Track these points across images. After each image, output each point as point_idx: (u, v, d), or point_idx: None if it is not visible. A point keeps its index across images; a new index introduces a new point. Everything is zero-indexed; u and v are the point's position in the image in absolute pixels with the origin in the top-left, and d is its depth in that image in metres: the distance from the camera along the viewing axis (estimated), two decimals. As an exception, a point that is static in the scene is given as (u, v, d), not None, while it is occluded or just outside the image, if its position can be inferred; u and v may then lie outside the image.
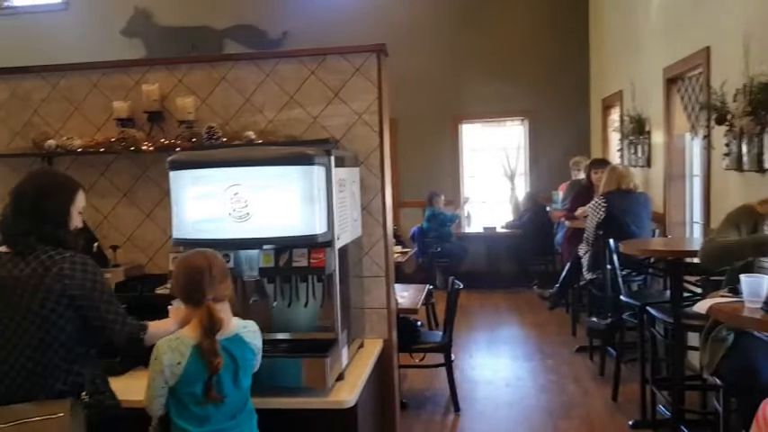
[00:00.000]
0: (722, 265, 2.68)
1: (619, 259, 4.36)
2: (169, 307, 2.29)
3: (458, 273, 6.02)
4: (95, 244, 3.02)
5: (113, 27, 8.63)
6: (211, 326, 1.94)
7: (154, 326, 2.13)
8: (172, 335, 2.02)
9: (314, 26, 7.98)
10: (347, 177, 2.64)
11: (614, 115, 7.06)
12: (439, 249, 7.79)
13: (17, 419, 1.92)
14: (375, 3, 8.26)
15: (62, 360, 1.99)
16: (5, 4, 9.03)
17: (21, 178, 2.13)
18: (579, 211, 5.60)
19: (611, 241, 4.38)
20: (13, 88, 3.27)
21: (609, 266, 4.49)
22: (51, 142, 3.09)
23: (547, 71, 8.11)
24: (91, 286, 2.01)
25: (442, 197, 8.01)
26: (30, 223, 2.01)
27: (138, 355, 2.17)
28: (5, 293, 1.97)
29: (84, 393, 2.01)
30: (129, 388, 2.24)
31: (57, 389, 1.98)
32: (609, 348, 4.75)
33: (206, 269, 2.00)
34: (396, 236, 6.31)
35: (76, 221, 2.13)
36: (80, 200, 2.14)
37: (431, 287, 5.16)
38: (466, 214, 8.63)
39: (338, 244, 2.41)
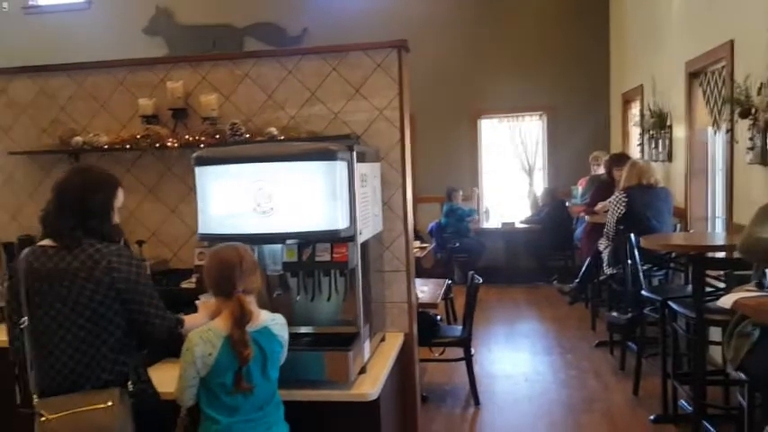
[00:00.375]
0: (763, 259, 2.63)
1: (640, 254, 4.35)
2: (197, 301, 2.33)
3: (476, 268, 6.02)
4: (122, 239, 3.07)
5: (135, 26, 8.73)
6: (242, 317, 1.99)
7: (188, 319, 2.18)
8: (203, 326, 2.06)
9: (333, 23, 8.01)
10: (369, 172, 2.66)
11: (635, 110, 7.01)
12: (457, 244, 7.80)
13: (68, 410, 1.97)
14: (393, -2, 8.27)
15: (109, 351, 2.04)
16: (30, 3, 9.16)
17: (63, 174, 2.17)
18: (599, 206, 5.57)
19: (633, 236, 4.37)
20: (41, 86, 3.33)
21: (630, 261, 4.48)
22: (78, 139, 3.15)
23: (566, 66, 8.06)
24: (135, 279, 2.06)
25: (461, 192, 8.02)
26: (76, 218, 2.05)
27: (164, 348, 2.21)
28: (54, 286, 2.01)
29: (129, 383, 2.06)
30: (158, 380, 2.29)
31: (103, 379, 2.03)
32: (629, 343, 4.74)
33: (237, 262, 2.04)
34: (414, 231, 6.33)
35: (117, 216, 2.18)
36: (120, 195, 2.19)
37: (450, 282, 5.17)
38: (484, 210, 8.62)
39: (360, 239, 2.43)
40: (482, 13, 8.20)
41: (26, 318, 2.03)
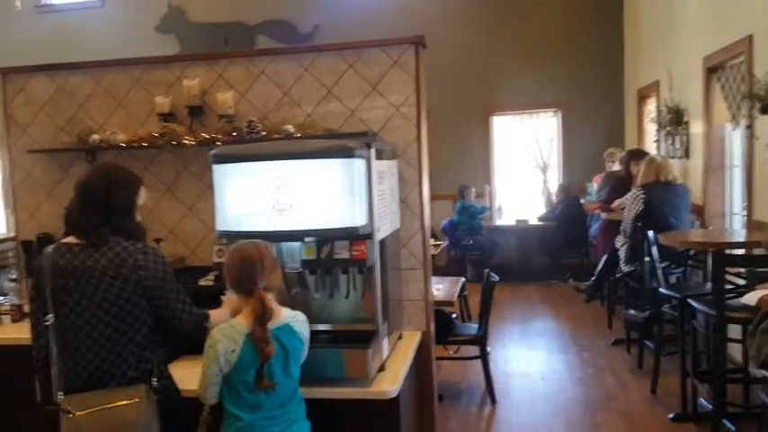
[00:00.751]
0: None
1: (658, 251, 4.31)
2: (222, 297, 2.33)
3: (489, 265, 5.98)
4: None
5: (148, 23, 8.77)
6: (263, 315, 1.99)
7: (212, 315, 2.19)
8: (225, 323, 2.06)
9: (344, 20, 8.01)
10: (386, 170, 2.64)
11: (650, 106, 6.95)
12: (470, 242, 7.76)
13: (95, 406, 1.99)
14: (405, -5, 8.25)
15: (135, 347, 2.05)
16: (43, 1, 9.22)
17: (86, 173, 2.18)
18: (616, 203, 5.52)
19: (650, 233, 4.33)
20: (59, 84, 3.35)
21: (647, 258, 4.44)
22: (95, 137, 3.16)
23: (580, 62, 8.01)
24: (162, 276, 2.07)
25: (473, 190, 7.99)
26: (101, 215, 2.06)
27: (190, 342, 2.21)
28: (81, 283, 2.02)
29: (153, 379, 2.07)
30: (178, 378, 2.30)
31: (128, 375, 2.04)
32: (646, 341, 4.70)
33: (258, 259, 2.04)
34: (428, 228, 6.30)
35: (139, 214, 2.19)
36: (143, 193, 2.21)
37: (464, 280, 5.15)
38: (497, 207, 8.59)
39: (378, 236, 2.42)
40: (495, 8, 8.17)
41: (51, 315, 2.04)
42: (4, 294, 3.33)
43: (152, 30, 8.77)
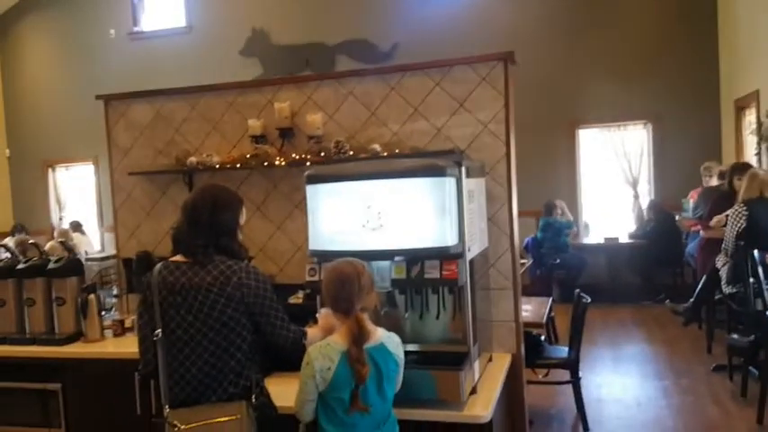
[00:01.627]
0: None
1: (764, 271, 4.03)
2: (317, 314, 2.35)
3: (576, 285, 5.78)
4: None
5: (232, 47, 9.13)
6: (360, 336, 1.99)
7: (309, 332, 2.22)
8: (322, 341, 2.08)
9: (423, 37, 8.04)
10: (475, 188, 2.60)
11: (750, 117, 6.55)
12: (557, 261, 7.54)
13: (199, 421, 2.04)
14: (482, 10, 8.19)
15: (236, 363, 2.10)
16: (135, 29, 9.79)
17: (193, 194, 2.26)
18: (715, 219, 5.21)
19: (756, 252, 4.06)
20: (157, 109, 3.51)
21: (752, 279, 4.16)
22: (192, 159, 3.29)
23: (672, 72, 7.68)
24: (263, 294, 2.13)
25: (561, 205, 7.77)
26: (207, 235, 2.13)
27: (288, 359, 2.24)
28: (187, 299, 2.09)
29: (252, 396, 2.11)
30: (273, 394, 2.33)
31: (229, 391, 2.09)
32: (751, 367, 4.40)
33: (355, 279, 2.05)
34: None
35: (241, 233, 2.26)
36: (244, 212, 2.27)
37: (551, 300, 5.00)
38: (584, 224, 8.31)
39: (469, 255, 2.38)
40: (581, 17, 7.97)
41: (160, 330, 2.11)
42: (107, 310, 3.49)
43: (236, 53, 9.11)
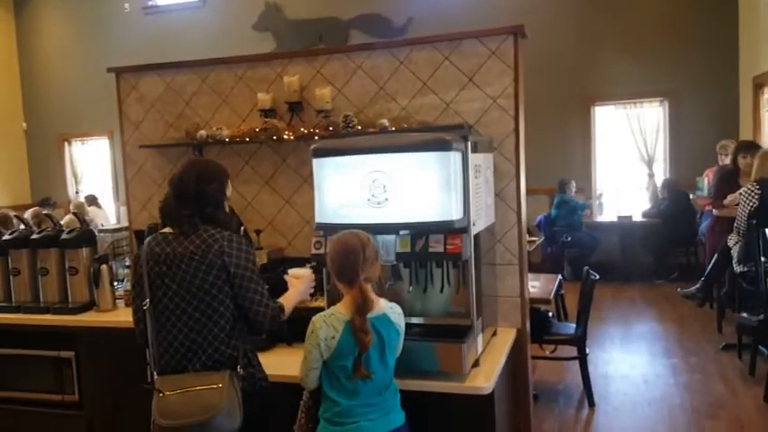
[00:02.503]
0: None
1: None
2: (285, 276, 2.43)
3: (588, 263, 5.77)
4: (242, 228, 3.19)
5: (245, 21, 9.10)
6: (364, 305, 2.03)
7: (285, 302, 2.27)
8: (327, 311, 2.12)
9: (437, 12, 7.98)
10: (482, 163, 2.60)
11: (768, 94, 6.45)
12: (569, 239, 7.51)
13: (182, 388, 2.09)
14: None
15: (220, 332, 2.15)
16: (149, 3, 9.77)
17: (179, 168, 2.31)
18: (729, 198, 5.16)
19: (767, 231, 4.02)
20: (168, 82, 3.53)
21: (763, 258, 4.13)
22: (202, 133, 3.30)
23: (689, 48, 7.55)
24: (244, 265, 2.16)
25: (574, 184, 7.73)
26: (193, 206, 2.18)
27: (281, 333, 2.29)
28: (172, 269, 2.14)
29: (238, 366, 2.15)
30: (278, 364, 2.37)
31: (214, 358, 2.14)
32: (761, 347, 4.39)
33: (360, 250, 2.07)
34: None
35: (227, 205, 2.30)
36: (230, 185, 2.32)
37: (560, 277, 5.00)
38: (597, 202, 8.25)
39: (473, 230, 2.39)
40: (597, -5, 7.84)
41: (148, 300, 2.18)
42: (120, 280, 3.55)
43: (249, 27, 9.08)
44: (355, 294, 2.05)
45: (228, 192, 2.30)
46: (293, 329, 2.34)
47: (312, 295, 2.51)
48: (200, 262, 2.12)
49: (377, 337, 2.05)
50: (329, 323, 2.05)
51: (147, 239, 2.24)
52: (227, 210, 2.29)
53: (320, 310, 2.20)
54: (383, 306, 2.13)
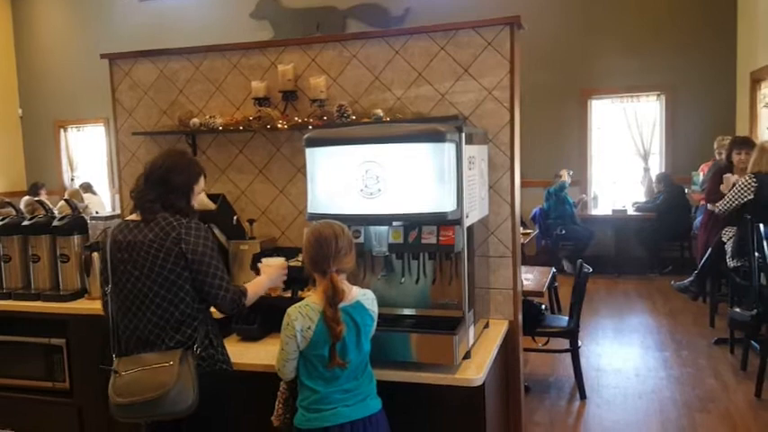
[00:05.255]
0: None
1: (769, 246, 4.01)
2: (259, 264, 2.47)
3: (583, 256, 5.78)
4: (235, 217, 3.18)
5: (243, 10, 9.05)
6: (334, 296, 2.05)
7: (251, 287, 2.32)
8: (302, 302, 2.13)
9: (435, 2, 7.91)
10: (476, 155, 2.59)
11: (765, 90, 6.44)
12: (563, 231, 7.52)
13: (137, 367, 2.14)
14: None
15: (181, 315, 2.19)
16: (144, -11, 9.70)
17: (154, 156, 2.36)
18: (732, 179, 5.10)
19: (762, 226, 4.03)
20: (161, 69, 3.49)
21: (757, 253, 4.14)
22: (195, 120, 3.28)
23: (687, 41, 7.54)
24: (202, 251, 2.19)
25: (565, 172, 7.71)
26: (156, 191, 2.22)
27: (274, 322, 2.29)
28: (133, 256, 2.19)
29: (196, 346, 2.19)
30: (269, 354, 2.37)
31: (175, 339, 2.19)
32: (753, 342, 4.41)
33: (332, 240, 2.09)
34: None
35: (195, 200, 2.33)
36: (202, 182, 2.35)
37: (554, 271, 5.01)
38: (592, 196, 8.25)
39: (467, 222, 2.38)
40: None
41: (110, 286, 2.23)
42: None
43: (247, 16, 9.02)
44: (326, 285, 2.06)
45: (198, 188, 2.33)
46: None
47: (286, 285, 2.55)
48: (158, 250, 2.16)
49: (352, 324, 2.08)
50: (304, 314, 2.07)
51: (113, 227, 2.29)
52: (192, 203, 2.31)
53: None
54: (356, 294, 2.15)
